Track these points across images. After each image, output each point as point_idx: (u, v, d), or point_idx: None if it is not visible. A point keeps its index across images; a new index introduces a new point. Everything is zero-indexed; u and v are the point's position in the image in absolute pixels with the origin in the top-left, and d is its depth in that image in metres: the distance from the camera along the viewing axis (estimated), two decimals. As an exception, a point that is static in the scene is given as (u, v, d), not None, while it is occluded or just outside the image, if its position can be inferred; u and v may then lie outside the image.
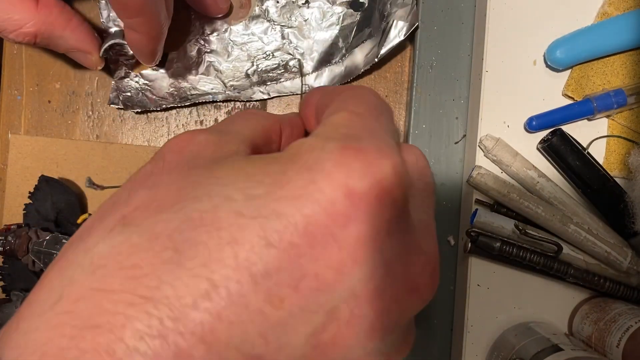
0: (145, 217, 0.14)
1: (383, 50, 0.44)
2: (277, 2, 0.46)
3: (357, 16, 0.45)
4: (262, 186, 0.14)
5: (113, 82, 0.46)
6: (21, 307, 0.14)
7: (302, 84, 0.46)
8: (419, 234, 0.16)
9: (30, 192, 0.45)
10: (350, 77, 0.46)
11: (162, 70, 0.47)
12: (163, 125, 0.48)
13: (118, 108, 0.47)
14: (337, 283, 0.14)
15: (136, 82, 0.46)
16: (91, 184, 0.46)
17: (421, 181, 0.18)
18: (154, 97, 0.46)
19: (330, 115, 0.17)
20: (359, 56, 0.46)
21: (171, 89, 0.46)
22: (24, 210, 0.45)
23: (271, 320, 0.13)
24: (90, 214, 0.44)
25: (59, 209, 0.45)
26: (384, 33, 0.44)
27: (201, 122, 0.48)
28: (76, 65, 0.48)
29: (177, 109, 0.48)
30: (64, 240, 0.43)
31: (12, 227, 0.44)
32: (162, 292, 0.12)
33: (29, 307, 0.13)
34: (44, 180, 0.45)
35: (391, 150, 0.15)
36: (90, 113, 0.48)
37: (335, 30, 0.46)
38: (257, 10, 0.46)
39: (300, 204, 0.13)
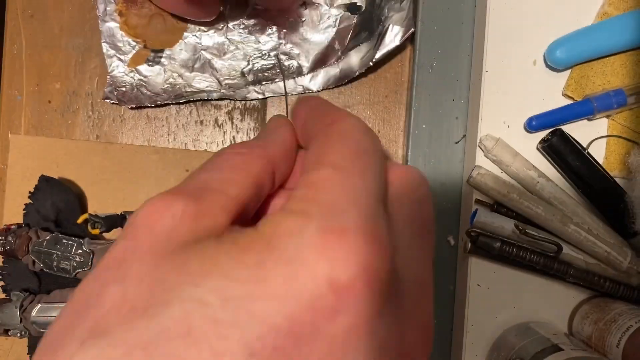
0: (118, 323, 0.13)
1: (378, 54, 0.44)
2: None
3: (354, 19, 0.45)
4: (238, 285, 0.13)
5: (108, 76, 0.46)
6: None
7: (285, 87, 0.46)
8: (412, 299, 0.15)
9: (30, 192, 0.45)
10: (346, 80, 0.46)
11: (157, 67, 0.47)
12: (163, 125, 0.48)
13: (112, 103, 0.47)
14: None
15: (131, 77, 0.46)
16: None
17: (420, 221, 0.17)
18: (149, 93, 0.46)
19: (311, 169, 0.16)
20: (355, 59, 0.46)
21: (166, 86, 0.46)
22: (24, 210, 0.45)
23: None
24: (90, 214, 0.44)
25: (59, 209, 0.45)
26: (380, 37, 0.44)
27: (201, 122, 0.48)
28: (76, 65, 0.48)
29: (177, 109, 0.48)
30: (64, 240, 0.43)
31: (12, 227, 0.44)
32: None
33: None
34: (44, 180, 0.45)
35: (376, 229, 0.14)
36: (91, 113, 0.48)
37: (331, 33, 0.46)
38: (254, 9, 0.46)
39: (282, 304, 0.13)
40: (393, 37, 0.44)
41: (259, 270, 0.13)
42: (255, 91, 0.47)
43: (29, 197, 0.45)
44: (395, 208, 0.16)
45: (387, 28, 0.44)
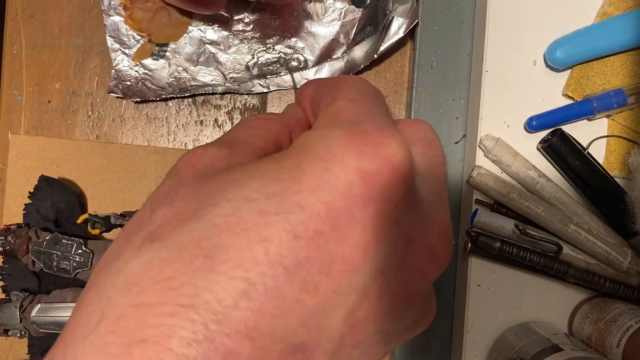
0: (170, 230, 0.14)
1: (382, 47, 0.44)
2: None
3: (359, 12, 0.45)
4: (279, 182, 0.14)
5: (113, 70, 0.46)
6: (63, 333, 0.14)
7: (293, 80, 0.46)
8: (431, 205, 0.17)
9: (30, 192, 0.45)
10: (351, 73, 0.46)
11: (162, 61, 0.47)
12: (163, 125, 0.48)
13: (117, 97, 0.47)
14: (365, 261, 0.14)
15: (136, 71, 0.46)
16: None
17: (430, 154, 0.19)
18: (154, 87, 0.46)
19: (328, 105, 0.18)
20: (359, 52, 0.46)
21: (171, 79, 0.46)
22: (23, 210, 0.45)
23: (309, 307, 0.14)
24: (89, 214, 0.44)
25: (58, 209, 0.45)
26: (384, 29, 0.44)
27: (201, 122, 0.48)
28: (76, 64, 0.48)
29: (177, 109, 0.48)
30: (64, 240, 0.43)
31: (12, 227, 0.44)
32: (201, 298, 0.13)
33: (71, 332, 0.14)
34: (44, 180, 0.45)
35: (392, 130, 0.16)
36: (90, 113, 0.48)
37: (336, 26, 0.46)
38: (258, 2, 0.46)
39: (320, 193, 0.14)
40: (397, 29, 0.44)
41: (296, 170, 0.15)
42: (260, 85, 0.47)
43: (29, 197, 0.45)
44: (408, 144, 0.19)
45: (391, 20, 0.44)
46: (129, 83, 0.46)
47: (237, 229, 0.13)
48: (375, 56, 0.44)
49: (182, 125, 0.48)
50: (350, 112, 0.17)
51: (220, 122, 0.48)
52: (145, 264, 0.14)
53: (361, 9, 0.46)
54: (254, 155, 0.18)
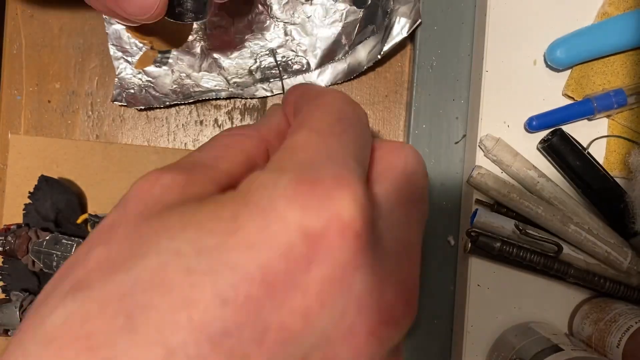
0: (98, 279, 0.13)
1: (386, 47, 0.44)
2: None
3: (360, 13, 0.45)
4: (213, 235, 0.13)
5: (116, 79, 0.46)
6: None
7: (281, 81, 0.46)
8: (394, 259, 0.15)
9: (30, 192, 0.45)
10: (354, 74, 0.46)
11: (165, 67, 0.46)
12: (163, 125, 0.48)
13: (121, 105, 0.47)
14: (306, 330, 0.13)
15: (139, 79, 0.46)
16: None
17: (406, 192, 0.17)
18: (158, 94, 0.46)
19: (291, 133, 0.16)
20: (362, 53, 0.46)
21: (174, 86, 0.46)
22: (23, 210, 0.45)
23: None
24: (89, 214, 0.44)
25: (58, 209, 0.45)
26: (387, 30, 0.44)
27: (201, 122, 0.48)
28: (76, 65, 0.48)
29: (177, 109, 0.48)
30: (63, 240, 0.42)
31: (12, 227, 0.44)
32: None
33: None
34: (44, 180, 0.45)
35: (350, 178, 0.14)
36: (90, 113, 0.48)
37: (338, 27, 0.46)
38: (260, 7, 0.46)
39: (255, 253, 0.13)
40: (400, 29, 0.44)
41: (233, 222, 0.13)
42: (263, 89, 0.47)
43: (29, 197, 0.45)
44: (382, 179, 0.17)
45: (394, 20, 0.44)
46: (132, 91, 0.46)
47: (161, 288, 0.12)
48: (379, 57, 0.44)
49: (182, 125, 0.48)
50: (310, 150, 0.15)
51: (220, 122, 0.48)
52: (68, 317, 0.13)
53: (362, 10, 0.46)
54: (214, 182, 0.16)
